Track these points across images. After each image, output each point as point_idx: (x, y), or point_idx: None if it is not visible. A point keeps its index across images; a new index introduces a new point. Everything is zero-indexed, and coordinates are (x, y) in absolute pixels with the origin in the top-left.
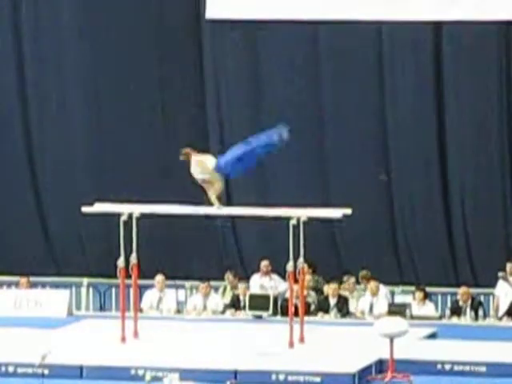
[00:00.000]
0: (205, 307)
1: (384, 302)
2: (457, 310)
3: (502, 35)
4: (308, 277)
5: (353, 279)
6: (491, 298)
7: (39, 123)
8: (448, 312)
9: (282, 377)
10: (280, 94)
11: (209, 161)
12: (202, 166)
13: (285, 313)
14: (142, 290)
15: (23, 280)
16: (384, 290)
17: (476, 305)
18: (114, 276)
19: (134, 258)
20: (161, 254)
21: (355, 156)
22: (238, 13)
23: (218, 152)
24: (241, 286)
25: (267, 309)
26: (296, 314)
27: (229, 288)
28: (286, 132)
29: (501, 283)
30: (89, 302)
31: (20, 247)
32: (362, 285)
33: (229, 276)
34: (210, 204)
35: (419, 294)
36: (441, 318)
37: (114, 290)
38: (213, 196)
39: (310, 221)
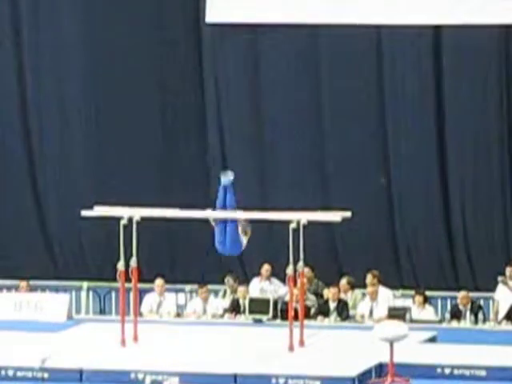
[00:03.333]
0: (204, 311)
1: (385, 305)
2: (456, 314)
3: (502, 39)
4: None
5: (344, 281)
6: (491, 301)
7: (39, 126)
8: (448, 316)
9: (281, 381)
10: (280, 97)
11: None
12: None
13: (285, 316)
14: (141, 293)
15: (23, 284)
16: (387, 292)
17: (476, 309)
18: (114, 280)
19: (133, 262)
20: (161, 258)
21: (355, 159)
22: (237, 16)
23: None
24: (240, 289)
25: (267, 312)
26: (296, 317)
27: (229, 292)
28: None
29: (500, 287)
30: (89, 305)
31: (20, 251)
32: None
33: (229, 280)
34: None
35: (419, 298)
36: (440, 321)
37: (113, 293)
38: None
39: (310, 224)
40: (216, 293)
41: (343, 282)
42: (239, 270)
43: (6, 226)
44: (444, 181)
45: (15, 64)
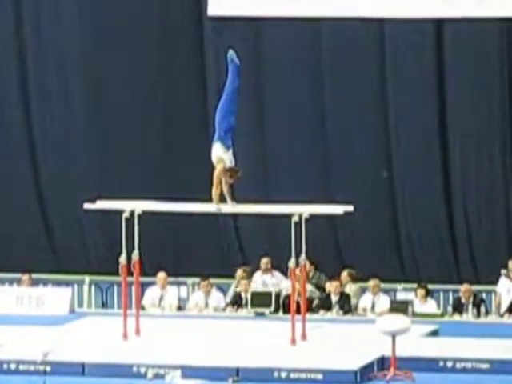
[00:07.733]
0: (206, 304)
1: (387, 299)
2: (459, 307)
3: (504, 32)
4: (309, 274)
5: (345, 273)
6: (493, 295)
7: (41, 120)
8: (450, 309)
9: (284, 374)
10: (282, 91)
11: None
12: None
13: (287, 310)
14: (143, 287)
15: (25, 277)
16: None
17: (478, 302)
18: (116, 273)
19: (135, 255)
20: (163, 251)
21: (357, 153)
22: (239, 9)
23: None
24: (242, 282)
25: (269, 306)
26: (298, 311)
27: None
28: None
29: (503, 280)
30: (91, 299)
31: (22, 244)
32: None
33: (240, 272)
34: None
35: (421, 291)
36: (443, 315)
37: (115, 287)
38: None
39: (312, 217)
40: (218, 286)
41: (344, 274)
42: (241, 263)
43: (8, 220)
44: (446, 173)
45: (17, 57)
